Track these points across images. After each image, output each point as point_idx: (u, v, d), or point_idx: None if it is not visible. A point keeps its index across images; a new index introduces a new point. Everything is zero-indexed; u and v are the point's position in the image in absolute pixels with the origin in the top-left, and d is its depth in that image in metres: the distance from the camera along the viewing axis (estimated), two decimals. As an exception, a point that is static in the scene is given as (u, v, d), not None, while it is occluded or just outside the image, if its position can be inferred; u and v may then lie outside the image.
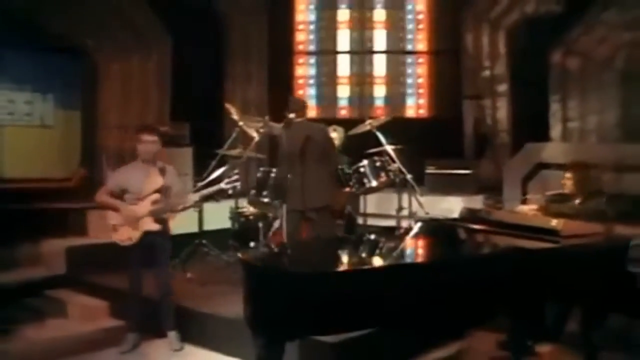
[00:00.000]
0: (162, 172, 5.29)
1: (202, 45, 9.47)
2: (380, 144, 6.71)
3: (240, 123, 6.64)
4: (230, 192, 5.46)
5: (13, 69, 7.91)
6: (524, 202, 6.22)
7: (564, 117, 10.29)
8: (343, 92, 11.33)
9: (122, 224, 5.22)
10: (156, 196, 5.21)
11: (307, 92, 11.22)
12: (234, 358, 5.00)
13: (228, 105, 6.88)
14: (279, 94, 10.64)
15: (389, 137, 7.19)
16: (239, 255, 5.20)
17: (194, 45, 9.24)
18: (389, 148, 6.53)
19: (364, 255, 4.26)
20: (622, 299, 4.35)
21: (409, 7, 11.35)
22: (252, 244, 6.16)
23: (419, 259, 4.30)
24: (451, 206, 8.53)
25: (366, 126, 6.65)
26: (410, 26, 11.36)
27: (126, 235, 5.22)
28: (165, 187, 5.26)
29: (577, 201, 5.12)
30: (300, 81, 11.23)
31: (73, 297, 6.24)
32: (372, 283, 3.49)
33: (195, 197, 5.37)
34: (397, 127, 8.86)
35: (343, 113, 11.30)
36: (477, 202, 8.98)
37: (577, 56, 10.13)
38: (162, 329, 5.37)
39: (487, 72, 11.11)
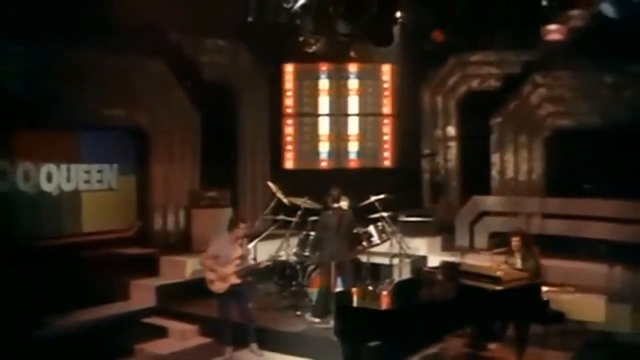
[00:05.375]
0: (241, 245, 8.79)
1: (220, 115, 12.91)
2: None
3: (279, 195, 10.26)
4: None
5: (89, 147, 11.14)
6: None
7: (502, 170, 14.06)
8: (323, 147, 14.93)
9: (216, 279, 8.57)
10: (238, 261, 8.64)
11: (294, 147, 14.82)
12: (301, 358, 8.52)
13: (270, 183, 10.50)
14: (275, 149, 14.31)
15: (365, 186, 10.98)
16: (336, 297, 8.28)
17: (213, 116, 12.68)
18: (385, 214, 10.20)
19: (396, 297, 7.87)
20: (539, 315, 8.13)
21: (377, 78, 15.09)
22: (293, 283, 9.77)
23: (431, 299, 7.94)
24: (417, 245, 12.06)
25: (370, 200, 10.31)
26: (377, 93, 15.11)
27: (219, 287, 8.57)
28: (244, 255, 8.75)
29: (517, 257, 8.84)
30: (289, 138, 14.80)
31: (168, 323, 9.57)
32: (401, 315, 7.15)
33: (264, 263, 9.07)
34: (369, 178, 12.78)
35: (323, 165, 14.90)
36: (436, 242, 12.78)
37: (513, 122, 13.90)
38: (245, 342, 8.79)
39: (440, 132, 15.01)
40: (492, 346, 8.54)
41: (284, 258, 10.15)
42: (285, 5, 8.80)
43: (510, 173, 14.02)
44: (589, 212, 12.17)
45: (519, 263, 8.75)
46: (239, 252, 8.70)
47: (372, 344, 7.48)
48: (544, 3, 9.62)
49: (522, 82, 13.70)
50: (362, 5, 8.92)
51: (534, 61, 13.37)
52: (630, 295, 9.71)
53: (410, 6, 9.04)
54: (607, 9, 9.20)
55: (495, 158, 14.12)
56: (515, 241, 8.95)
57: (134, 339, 9.18)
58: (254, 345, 8.77)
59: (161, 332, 9.43)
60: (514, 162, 14.00)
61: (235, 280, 8.59)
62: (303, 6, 8.83)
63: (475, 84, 14.55)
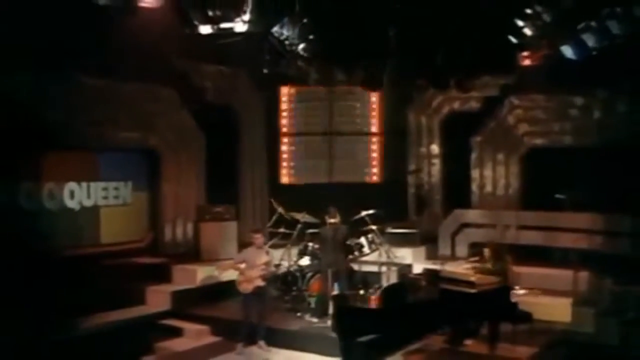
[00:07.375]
0: (267, 253, 10.34)
1: (223, 135, 14.32)
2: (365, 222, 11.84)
3: (279, 210, 11.73)
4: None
5: (107, 166, 12.52)
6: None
7: (481, 185, 15.47)
8: (316, 164, 16.35)
9: (243, 281, 10.06)
10: (263, 267, 10.13)
11: (290, 164, 16.24)
12: (304, 352, 9.91)
13: (271, 200, 11.97)
14: (273, 165, 15.74)
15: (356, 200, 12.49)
16: (332, 298, 9.94)
17: (216, 136, 14.10)
18: (374, 227, 11.67)
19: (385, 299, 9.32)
20: (508, 315, 9.56)
21: (366, 100, 16.54)
22: (294, 288, 11.21)
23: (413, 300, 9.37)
24: (404, 254, 13.45)
25: (361, 215, 11.77)
26: (366, 114, 16.57)
27: (245, 287, 10.06)
28: (268, 261, 10.24)
29: (490, 264, 10.27)
30: (285, 155, 16.22)
31: (182, 324, 10.95)
32: (389, 315, 8.58)
33: (281, 269, 10.61)
34: (358, 191, 14.19)
35: (316, 180, 16.26)
36: (421, 251, 14.19)
37: (491, 141, 15.28)
38: (253, 339, 10.17)
39: (424, 150, 16.48)
40: (468, 342, 9.83)
41: (285, 266, 11.61)
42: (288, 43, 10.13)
43: (488, 188, 15.43)
44: (560, 223, 13.49)
45: (490, 270, 10.22)
46: (265, 259, 10.26)
47: (365, 339, 8.85)
48: (515, 41, 10.94)
49: (500, 104, 15.06)
50: (357, 60, 10.41)
51: (511, 85, 14.59)
52: (593, 299, 11.05)
53: (397, 59, 10.46)
54: (567, 52, 10.55)
55: (475, 174, 15.55)
56: (486, 251, 10.44)
57: (153, 338, 10.54)
58: (262, 342, 10.16)
59: (177, 332, 10.81)
60: (492, 177, 15.40)
61: (260, 283, 10.09)
62: (308, 59, 10.27)
63: (456, 105, 15.97)
